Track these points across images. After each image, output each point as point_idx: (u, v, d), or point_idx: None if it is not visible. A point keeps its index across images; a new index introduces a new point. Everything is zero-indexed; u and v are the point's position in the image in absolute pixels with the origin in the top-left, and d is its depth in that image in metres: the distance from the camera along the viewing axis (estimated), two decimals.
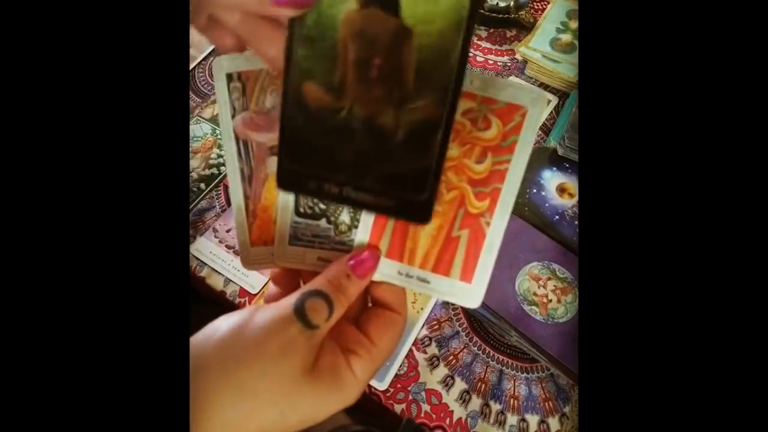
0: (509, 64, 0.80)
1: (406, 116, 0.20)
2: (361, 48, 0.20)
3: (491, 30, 0.85)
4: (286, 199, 0.26)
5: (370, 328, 0.25)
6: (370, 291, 0.27)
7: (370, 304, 0.29)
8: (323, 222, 0.27)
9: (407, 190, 0.22)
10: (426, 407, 0.51)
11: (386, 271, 0.26)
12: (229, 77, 0.25)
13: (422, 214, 0.22)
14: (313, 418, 0.23)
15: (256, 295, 0.57)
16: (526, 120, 0.24)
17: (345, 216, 0.27)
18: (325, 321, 0.23)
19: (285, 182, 0.23)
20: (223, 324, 0.23)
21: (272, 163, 0.26)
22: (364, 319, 0.26)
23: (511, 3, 0.81)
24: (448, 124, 0.20)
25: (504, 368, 0.53)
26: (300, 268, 0.27)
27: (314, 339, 0.23)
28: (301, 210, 0.26)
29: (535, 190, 0.62)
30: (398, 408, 0.51)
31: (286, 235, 0.26)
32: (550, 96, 0.76)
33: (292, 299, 0.23)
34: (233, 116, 0.26)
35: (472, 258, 0.25)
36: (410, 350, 0.54)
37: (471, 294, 0.26)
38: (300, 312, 0.23)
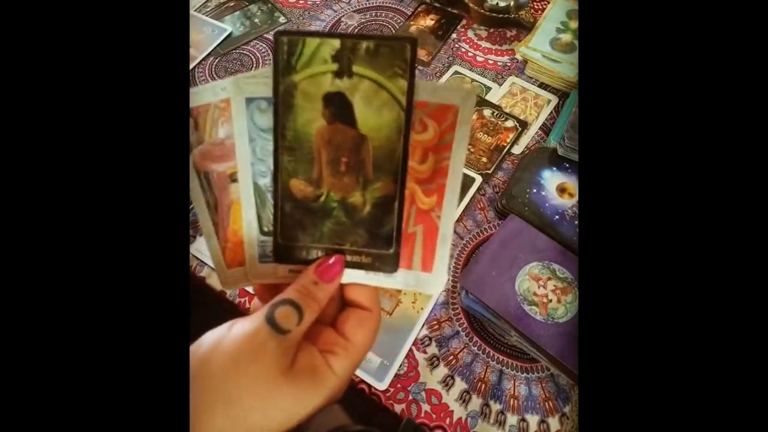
0: (509, 64, 0.80)
1: (369, 195, 0.27)
2: (332, 151, 0.27)
3: (491, 30, 0.85)
4: (250, 221, 0.29)
5: (345, 328, 0.27)
6: (343, 293, 0.29)
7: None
8: None
9: (378, 248, 0.28)
10: (426, 407, 0.51)
11: (354, 273, 0.28)
12: None
13: (392, 265, 0.28)
14: (298, 414, 0.24)
15: (255, 295, 0.57)
16: (459, 117, 0.26)
17: None
18: (296, 326, 0.25)
19: (280, 254, 0.28)
20: (205, 339, 0.25)
21: (234, 189, 0.28)
22: (339, 321, 0.28)
23: (511, 3, 0.81)
24: (401, 196, 0.27)
25: (504, 368, 0.53)
26: (274, 283, 0.29)
27: (287, 343, 0.24)
28: (265, 229, 0.28)
29: (535, 190, 0.62)
30: (398, 408, 0.51)
31: (255, 254, 0.29)
32: (549, 96, 0.76)
33: (263, 310, 0.25)
34: (190, 150, 0.28)
35: (430, 250, 0.28)
36: (410, 350, 0.54)
37: (433, 282, 0.28)
38: (270, 320, 0.24)
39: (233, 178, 0.28)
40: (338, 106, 0.26)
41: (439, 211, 0.27)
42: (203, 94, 0.27)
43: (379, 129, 0.26)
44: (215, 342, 0.24)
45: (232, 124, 0.27)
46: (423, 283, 0.28)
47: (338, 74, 0.25)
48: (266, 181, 0.28)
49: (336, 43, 0.25)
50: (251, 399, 0.23)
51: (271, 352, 0.24)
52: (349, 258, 0.28)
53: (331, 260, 0.27)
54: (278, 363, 0.24)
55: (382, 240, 0.27)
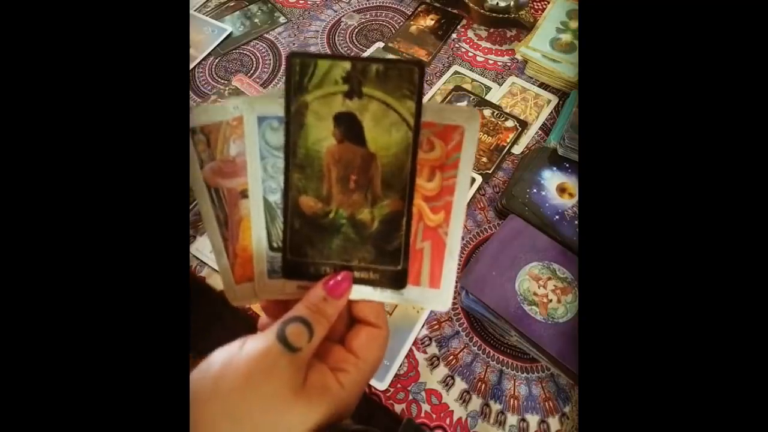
0: (509, 64, 0.80)
1: (378, 211, 0.28)
2: (341, 169, 0.27)
3: (491, 30, 0.85)
4: (259, 237, 0.29)
5: (354, 345, 0.27)
6: (351, 310, 0.29)
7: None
8: None
9: (386, 265, 0.28)
10: (426, 407, 0.51)
11: (362, 289, 0.28)
12: (193, 131, 0.28)
13: (400, 282, 0.28)
14: None
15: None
16: (464, 137, 0.27)
17: None
18: (307, 343, 0.25)
19: (289, 271, 0.29)
20: (217, 358, 0.25)
21: (244, 205, 0.29)
22: (348, 338, 0.28)
23: (511, 3, 0.81)
24: (409, 213, 0.27)
25: (504, 368, 0.53)
26: (282, 299, 0.29)
27: (298, 361, 0.24)
28: (274, 245, 0.29)
29: (535, 190, 0.62)
30: (398, 408, 0.51)
31: (264, 270, 0.29)
32: (549, 96, 0.76)
33: (274, 327, 0.25)
34: (201, 167, 0.28)
35: (437, 266, 0.28)
36: (410, 350, 0.54)
37: (441, 298, 0.29)
38: (282, 338, 0.24)
39: (244, 195, 0.29)
40: (348, 126, 0.27)
41: (446, 227, 0.28)
42: (216, 113, 0.28)
43: (388, 148, 0.27)
44: (226, 361, 0.24)
45: (244, 141, 0.28)
46: (431, 299, 0.29)
47: (349, 95, 0.26)
48: (276, 198, 0.28)
49: (347, 65, 0.26)
50: (262, 418, 0.23)
51: (283, 370, 0.24)
52: (357, 274, 0.28)
53: (340, 276, 0.27)
54: (290, 381, 0.24)
55: (390, 256, 0.28)
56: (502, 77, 0.78)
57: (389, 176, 0.27)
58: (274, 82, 0.78)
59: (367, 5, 0.90)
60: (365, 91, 0.26)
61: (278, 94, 0.27)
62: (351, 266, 0.28)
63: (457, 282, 0.58)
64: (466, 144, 0.27)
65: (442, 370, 0.53)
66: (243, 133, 0.28)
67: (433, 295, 0.29)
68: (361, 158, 0.27)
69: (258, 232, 0.29)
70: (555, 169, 0.65)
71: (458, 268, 0.59)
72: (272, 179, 0.28)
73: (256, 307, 0.57)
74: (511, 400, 0.51)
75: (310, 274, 0.28)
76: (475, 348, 0.54)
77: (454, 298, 0.57)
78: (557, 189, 0.63)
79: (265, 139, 0.28)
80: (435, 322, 0.56)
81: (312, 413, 0.24)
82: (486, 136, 0.71)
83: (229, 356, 0.24)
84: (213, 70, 0.80)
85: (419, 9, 0.89)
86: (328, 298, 0.27)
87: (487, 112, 0.73)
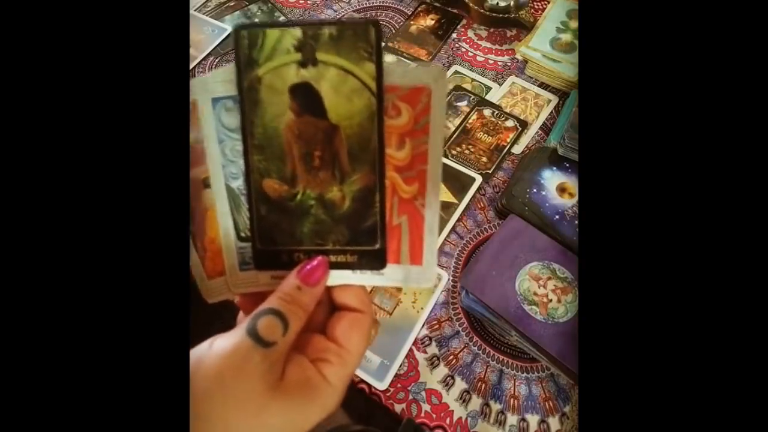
0: (509, 64, 0.80)
1: (348, 188, 0.26)
2: (303, 145, 0.25)
3: (491, 30, 0.85)
4: (227, 227, 0.27)
5: (336, 333, 0.25)
6: (331, 297, 0.27)
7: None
8: None
9: (362, 245, 0.26)
10: (426, 407, 0.51)
11: (340, 273, 0.26)
12: None
13: (379, 261, 0.26)
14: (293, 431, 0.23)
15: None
16: (432, 99, 0.25)
17: None
18: (282, 336, 0.23)
19: (260, 261, 0.27)
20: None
21: (208, 195, 0.27)
22: (329, 326, 0.26)
23: (511, 3, 0.81)
24: (381, 186, 0.25)
25: (504, 368, 0.53)
26: (257, 291, 0.27)
27: (273, 355, 0.23)
28: (242, 235, 0.27)
29: (535, 190, 0.62)
30: (398, 408, 0.51)
31: (235, 262, 0.27)
32: (549, 95, 0.76)
33: (245, 322, 0.23)
34: None
35: (417, 241, 0.26)
36: (410, 350, 0.54)
37: (424, 275, 0.27)
38: (252, 332, 0.23)
39: (206, 184, 0.27)
40: (306, 97, 0.25)
41: (422, 199, 0.26)
42: None
43: (351, 117, 0.25)
44: (196, 362, 0.22)
45: (201, 126, 0.26)
46: (414, 277, 0.27)
47: (302, 64, 0.24)
48: (239, 184, 0.27)
49: (297, 32, 0.24)
50: (238, 420, 0.21)
51: (255, 367, 0.22)
52: (333, 258, 0.26)
53: (314, 262, 0.25)
54: (265, 378, 0.22)
55: (366, 235, 0.26)
56: (502, 77, 0.78)
57: (356, 148, 0.25)
58: None
59: (367, 5, 0.90)
60: (320, 57, 0.24)
61: (231, 72, 0.25)
62: (326, 250, 0.26)
63: (456, 280, 0.58)
64: (434, 105, 0.25)
65: (442, 370, 0.53)
66: (198, 117, 0.26)
67: (416, 272, 0.27)
68: (323, 132, 0.25)
69: (224, 223, 0.27)
70: (555, 168, 0.65)
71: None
72: (232, 164, 0.26)
73: None
74: (511, 400, 0.51)
75: (283, 263, 0.26)
76: (475, 348, 0.54)
77: (454, 296, 0.57)
78: (557, 189, 0.63)
79: (221, 121, 0.26)
80: (435, 322, 0.56)
81: (294, 410, 0.22)
82: (486, 135, 0.71)
83: (197, 357, 0.23)
84: (213, 70, 0.80)
85: (419, 9, 0.89)
86: (303, 287, 0.25)
87: (487, 111, 0.73)
